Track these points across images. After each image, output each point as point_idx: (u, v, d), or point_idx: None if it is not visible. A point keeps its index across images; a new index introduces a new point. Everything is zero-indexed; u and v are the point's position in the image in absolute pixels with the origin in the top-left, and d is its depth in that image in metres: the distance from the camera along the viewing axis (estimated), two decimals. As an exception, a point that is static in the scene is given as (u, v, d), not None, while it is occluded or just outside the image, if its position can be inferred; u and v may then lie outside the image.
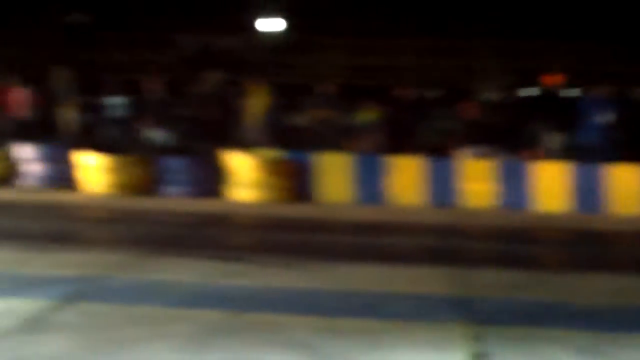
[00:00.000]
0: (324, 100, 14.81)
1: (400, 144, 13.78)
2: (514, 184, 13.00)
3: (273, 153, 13.39)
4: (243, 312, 6.34)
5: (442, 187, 13.09)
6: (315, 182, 13.26)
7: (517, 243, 10.42)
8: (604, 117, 13.63)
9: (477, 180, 13.09)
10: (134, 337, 5.58)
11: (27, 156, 14.22)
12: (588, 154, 13.30)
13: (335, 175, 13.27)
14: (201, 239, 9.74)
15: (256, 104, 14.37)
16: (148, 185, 13.55)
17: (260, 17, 21.84)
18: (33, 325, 5.83)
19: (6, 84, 15.49)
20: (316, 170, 13.30)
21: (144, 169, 13.72)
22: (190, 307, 6.45)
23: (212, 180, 13.30)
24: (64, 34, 21.59)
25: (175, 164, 13.54)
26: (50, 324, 5.89)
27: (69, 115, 15.04)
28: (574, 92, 16.84)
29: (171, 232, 10.15)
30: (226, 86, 15.10)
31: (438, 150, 13.68)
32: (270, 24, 21.85)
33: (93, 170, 13.71)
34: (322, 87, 15.09)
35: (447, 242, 10.06)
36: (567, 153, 13.55)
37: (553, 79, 16.54)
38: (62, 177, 13.92)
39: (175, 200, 12.78)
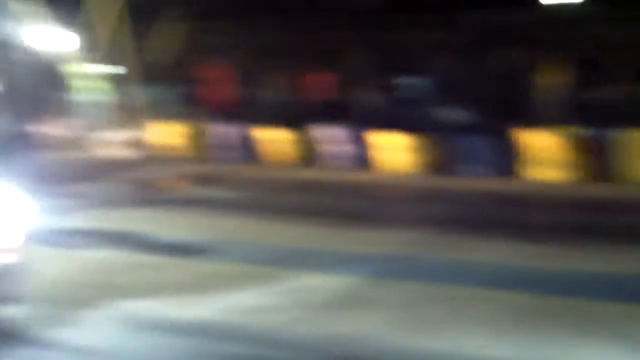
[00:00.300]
0: (626, 75, 13.80)
1: None
2: None
3: (574, 131, 12.74)
4: (549, 296, 6.08)
5: None
6: (619, 160, 12.41)
7: None
8: None
9: None
10: (440, 317, 5.57)
11: (327, 137, 14.85)
12: None
13: (642, 153, 12.30)
14: (502, 218, 9.51)
15: (551, 80, 13.76)
16: (445, 164, 13.56)
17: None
18: (347, 301, 6.04)
19: (304, 69, 16.27)
20: (621, 148, 12.44)
21: (441, 148, 13.75)
22: (494, 288, 6.32)
23: (508, 159, 12.99)
24: (358, 18, 22.22)
25: (471, 143, 13.40)
26: (363, 301, 6.07)
27: (366, 97, 15.49)
28: None
29: (471, 212, 10.05)
30: (519, 63, 14.63)
31: None
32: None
33: (391, 150, 14.01)
34: (623, 61, 14.07)
35: None
36: None
37: None
38: (361, 157, 14.36)
39: (472, 179, 12.65)
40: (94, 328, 5.55)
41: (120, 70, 16.55)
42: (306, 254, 7.62)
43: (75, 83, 14.83)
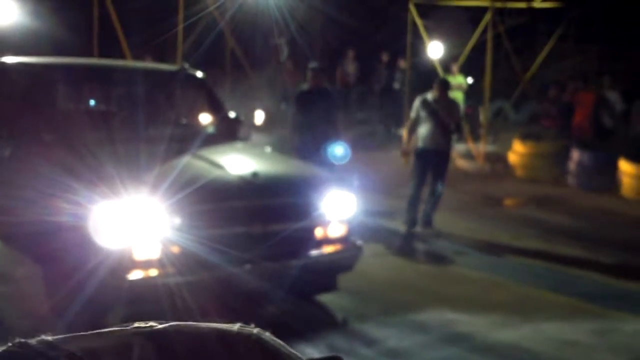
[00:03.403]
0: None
1: None
2: None
3: None
4: None
5: None
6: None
7: None
8: None
9: None
10: None
11: None
12: None
13: None
14: None
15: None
16: None
17: None
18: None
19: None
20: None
21: None
22: None
23: None
24: None
25: None
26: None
27: None
28: None
29: None
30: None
31: None
32: None
33: None
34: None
35: None
36: None
37: None
38: None
39: None
40: (409, 333, 5.67)
41: (471, 81, 16.67)
42: (635, 295, 7.01)
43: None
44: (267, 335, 0.96)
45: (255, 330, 0.96)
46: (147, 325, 0.94)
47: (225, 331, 0.94)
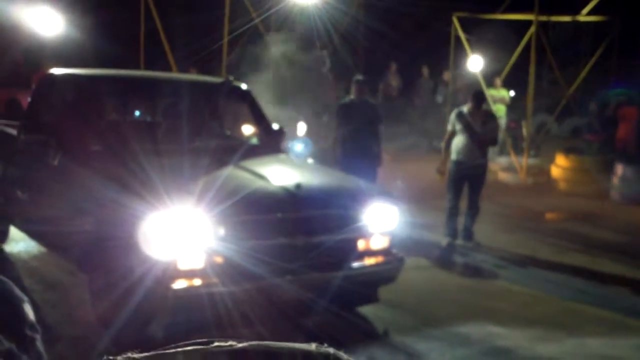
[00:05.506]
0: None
1: None
2: None
3: None
4: None
5: None
6: None
7: None
8: None
9: None
10: None
11: None
12: None
13: None
14: None
15: None
16: None
17: None
18: None
19: None
20: None
21: None
22: None
23: None
24: None
25: None
26: None
27: None
28: None
29: None
30: None
31: None
32: None
33: None
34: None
35: None
36: None
37: None
38: None
39: None
40: (451, 347, 5.66)
41: (513, 94, 16.61)
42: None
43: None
44: (343, 354, 0.98)
45: (332, 350, 0.98)
46: (227, 344, 0.96)
47: (304, 351, 0.96)
